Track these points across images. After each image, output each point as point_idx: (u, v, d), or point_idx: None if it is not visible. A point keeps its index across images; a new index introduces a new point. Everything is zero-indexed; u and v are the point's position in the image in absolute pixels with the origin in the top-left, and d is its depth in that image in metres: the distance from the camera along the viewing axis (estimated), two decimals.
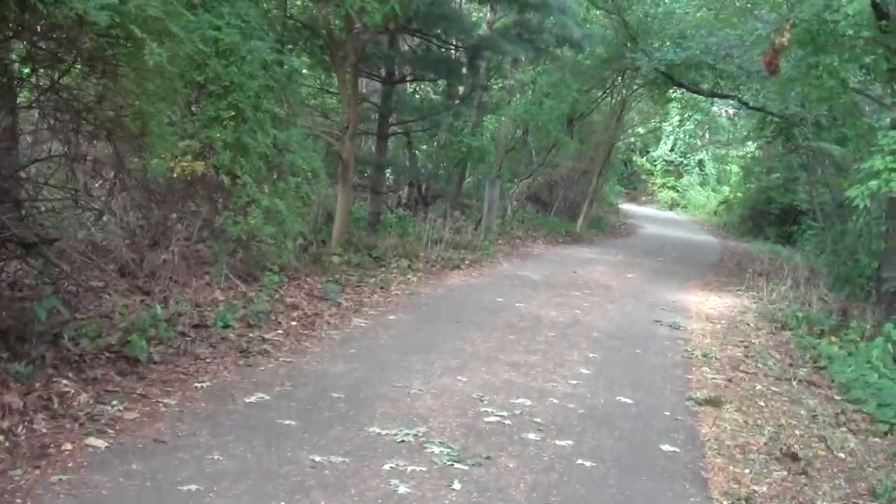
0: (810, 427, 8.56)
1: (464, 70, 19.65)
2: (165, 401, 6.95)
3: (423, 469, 6.12)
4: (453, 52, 20.34)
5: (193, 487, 5.38)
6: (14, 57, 8.07)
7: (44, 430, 5.91)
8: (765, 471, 7.09)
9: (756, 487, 6.68)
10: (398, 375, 8.53)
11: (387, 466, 6.09)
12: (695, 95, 32.11)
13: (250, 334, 9.31)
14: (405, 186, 23.76)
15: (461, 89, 21.26)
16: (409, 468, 6.10)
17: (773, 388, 9.96)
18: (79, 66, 7.79)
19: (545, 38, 19.99)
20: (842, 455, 7.80)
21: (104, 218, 10.81)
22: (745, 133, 43.05)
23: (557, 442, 7.13)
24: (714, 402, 8.92)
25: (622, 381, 9.50)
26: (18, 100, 8.47)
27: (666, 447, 7.39)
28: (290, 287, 11.61)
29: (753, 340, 12.76)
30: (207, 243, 11.22)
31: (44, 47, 7.79)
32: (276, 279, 11.16)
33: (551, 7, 18.82)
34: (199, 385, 7.49)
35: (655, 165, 55.92)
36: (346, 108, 15.51)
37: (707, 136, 56.12)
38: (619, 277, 18.74)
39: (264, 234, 11.03)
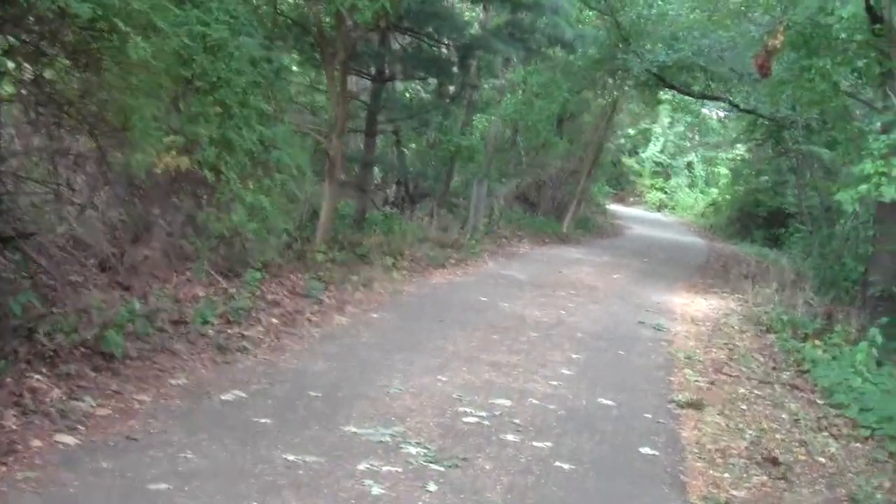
0: (792, 431, 8.54)
1: (455, 69, 19.60)
2: (139, 397, 6.86)
3: (399, 470, 6.06)
4: (444, 50, 20.25)
5: (163, 486, 5.30)
6: None
7: (13, 427, 5.80)
8: (745, 475, 7.05)
9: (735, 492, 6.64)
10: (378, 374, 8.46)
11: (362, 466, 6.02)
12: (685, 97, 32.10)
13: (229, 331, 9.20)
14: (393, 184, 23.68)
15: (451, 88, 21.19)
16: (385, 469, 6.04)
17: (755, 392, 9.93)
18: (62, 60, 7.70)
19: (537, 38, 19.96)
20: (822, 460, 7.77)
21: (86, 212, 10.72)
22: (734, 135, 43.06)
23: (536, 443, 7.07)
24: (696, 405, 8.87)
25: (604, 382, 9.46)
26: (0, 93, 8.38)
27: (646, 450, 7.35)
28: (272, 284, 11.51)
29: (737, 343, 12.74)
30: (190, 239, 11.13)
31: (27, 40, 7.70)
32: (257, 276, 11.06)
33: (544, 7, 18.78)
34: (174, 382, 7.41)
35: (644, 167, 55.88)
36: (335, 105, 15.41)
37: (697, 138, 56.10)
38: (604, 278, 18.71)
39: (247, 231, 10.95)
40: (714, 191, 50.66)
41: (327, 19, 15.40)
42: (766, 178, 35.32)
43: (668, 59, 24.54)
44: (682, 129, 54.56)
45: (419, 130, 21.84)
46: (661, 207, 53.83)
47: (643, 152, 55.66)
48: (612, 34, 25.61)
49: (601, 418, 8.10)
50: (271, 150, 11.50)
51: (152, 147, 9.55)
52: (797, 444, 8.13)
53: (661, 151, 55.24)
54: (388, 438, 6.66)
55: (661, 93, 31.95)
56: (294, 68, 18.85)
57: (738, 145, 43.51)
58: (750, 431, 8.27)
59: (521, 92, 26.22)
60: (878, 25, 14.15)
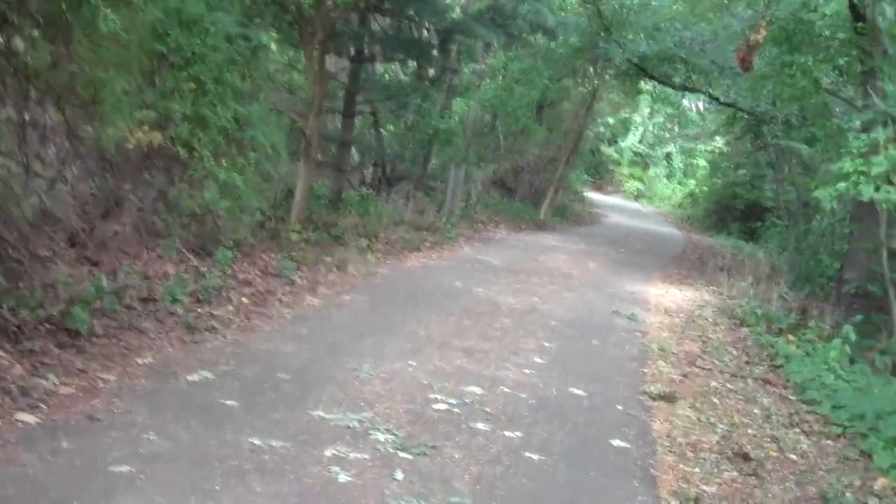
0: (763, 427, 8.48)
1: (435, 52, 19.50)
2: (104, 376, 6.72)
3: (366, 457, 5.95)
4: (425, 33, 20.11)
5: (125, 469, 5.17)
6: None
7: None
8: (715, 470, 6.99)
9: (706, 487, 6.57)
10: (348, 358, 8.34)
11: (328, 452, 5.91)
12: (666, 88, 32.10)
13: (199, 310, 9.05)
14: (370, 166, 23.57)
15: (431, 71, 21.08)
16: (352, 455, 5.93)
17: (728, 386, 9.88)
18: (30, 30, 7.55)
19: (519, 24, 19.85)
20: (794, 457, 7.72)
21: (56, 186, 10.55)
22: (714, 128, 43.16)
23: (506, 433, 6.98)
24: (668, 398, 8.81)
25: (577, 372, 9.38)
26: None
27: (617, 442, 7.27)
28: (244, 263, 11.36)
29: (711, 336, 12.69)
30: (161, 216, 10.99)
31: None
32: (229, 255, 10.92)
33: None
34: (141, 361, 7.26)
35: (623, 156, 55.93)
36: (313, 85, 15.27)
37: (676, 129, 56.19)
38: (580, 266, 18.65)
39: (220, 209, 10.82)
40: (692, 182, 50.75)
41: None
42: (744, 171, 35.41)
43: (650, 50, 24.56)
44: (661, 119, 54.67)
45: (397, 113, 21.75)
46: (638, 197, 53.91)
47: (622, 141, 55.72)
48: (594, 22, 25.56)
49: (573, 408, 8.02)
50: (246, 129, 11.37)
51: (124, 121, 9.42)
52: (769, 439, 8.07)
53: (640, 141, 55.33)
54: (356, 424, 6.55)
55: (642, 83, 32.01)
56: (273, 46, 18.67)
57: (717, 138, 43.71)
58: (721, 426, 8.22)
59: (501, 77, 26.13)
60: (860, 23, 14.15)
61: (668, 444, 7.46)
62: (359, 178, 22.88)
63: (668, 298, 15.94)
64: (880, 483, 7.24)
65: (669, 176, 54.86)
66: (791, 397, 9.82)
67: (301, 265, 12.17)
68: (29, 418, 5.66)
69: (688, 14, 25.82)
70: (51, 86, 7.84)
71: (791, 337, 12.57)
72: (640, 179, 55.59)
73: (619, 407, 8.32)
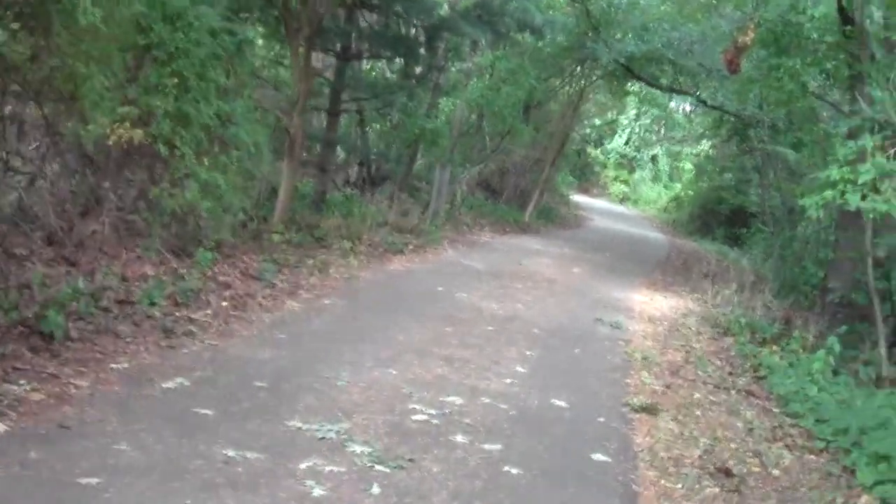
0: (746, 441, 8.38)
1: (421, 50, 19.37)
2: (77, 382, 6.58)
3: (342, 470, 5.83)
4: (412, 31, 19.99)
5: (94, 481, 5.03)
6: None
7: None
8: (697, 486, 6.89)
9: None
10: (326, 365, 8.21)
11: (304, 465, 5.79)
12: (653, 90, 32.07)
13: (177, 313, 8.92)
14: (355, 165, 23.44)
15: (418, 69, 20.95)
16: (328, 468, 5.80)
17: (710, 398, 9.78)
18: (8, 23, 7.41)
19: (506, 23, 19.74)
20: (776, 472, 7.63)
21: (36, 183, 10.41)
22: (700, 131, 43.14)
23: (486, 446, 6.86)
24: (650, 410, 8.71)
25: (558, 382, 9.27)
26: None
27: (598, 456, 7.16)
28: (224, 265, 11.22)
29: (694, 345, 12.60)
30: (142, 215, 10.85)
31: None
32: (209, 256, 10.78)
33: None
34: (115, 366, 7.13)
35: (609, 158, 55.92)
36: (298, 81, 15.15)
37: (662, 131, 56.21)
38: (564, 271, 18.56)
39: (201, 209, 10.69)
40: (677, 185, 50.72)
41: None
42: (730, 175, 35.38)
43: (637, 51, 24.54)
44: (648, 121, 54.66)
45: (383, 111, 21.62)
46: (623, 200, 53.87)
47: (609, 143, 55.70)
48: (581, 22, 25.50)
49: (553, 420, 7.91)
50: (229, 126, 11.24)
51: (104, 117, 9.29)
52: (751, 454, 7.97)
53: (627, 144, 55.32)
54: (333, 435, 6.43)
55: (629, 84, 31.94)
56: (259, 42, 18.54)
57: (704, 141, 43.68)
58: (704, 439, 8.11)
59: (488, 77, 26.01)
60: (849, 27, 14.10)
61: (649, 458, 7.36)
62: (343, 178, 22.74)
63: (651, 306, 15.86)
64: (863, 500, 7.16)
65: (655, 179, 54.83)
66: (774, 410, 9.73)
67: (282, 267, 12.05)
68: None
69: (676, 15, 25.82)
70: (29, 80, 7.69)
71: (775, 347, 12.51)
72: (626, 182, 55.57)
73: (601, 419, 8.22)
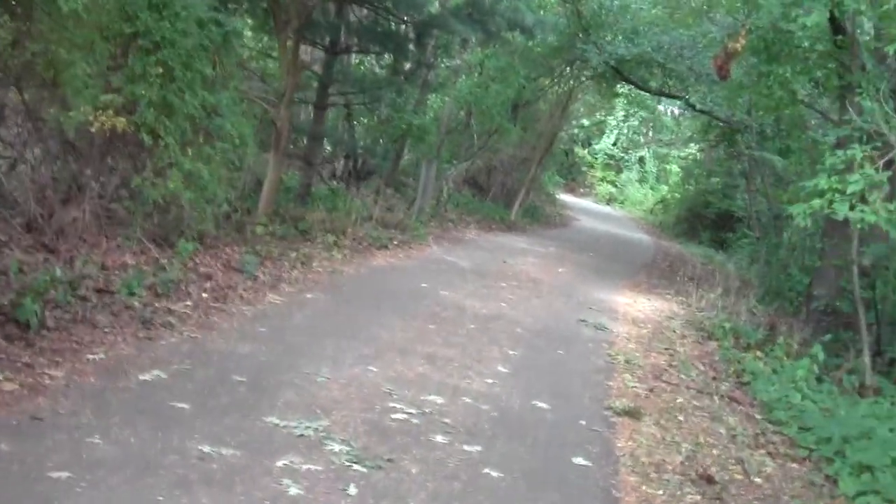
0: (728, 447, 8.29)
1: (411, 46, 19.25)
2: (52, 372, 6.47)
3: (320, 469, 5.73)
4: (402, 26, 19.88)
5: (65, 475, 4.92)
6: None
7: None
8: (678, 493, 6.80)
9: None
10: (306, 361, 8.11)
11: (280, 463, 5.68)
12: (642, 92, 32.05)
13: (156, 304, 8.80)
14: (341, 159, 23.33)
15: (407, 65, 20.85)
16: (305, 467, 5.70)
17: (694, 402, 9.70)
18: None
19: (497, 21, 19.59)
20: (758, 480, 7.54)
21: (17, 168, 10.28)
22: (688, 134, 43.18)
23: (466, 447, 6.76)
24: (633, 414, 8.62)
25: (540, 383, 9.19)
26: None
27: (579, 460, 7.07)
28: (206, 256, 11.11)
29: (678, 349, 12.51)
30: (123, 203, 10.73)
31: None
32: (190, 247, 10.66)
33: None
34: (91, 357, 7.01)
35: (596, 158, 55.87)
36: (286, 74, 15.04)
37: (650, 133, 56.25)
38: (549, 271, 18.47)
39: (184, 199, 10.57)
40: (664, 188, 50.67)
41: None
42: (717, 179, 35.39)
43: (627, 53, 24.55)
44: (636, 123, 54.65)
45: (371, 106, 21.50)
46: (610, 201, 53.80)
47: (596, 144, 55.65)
48: (572, 23, 25.45)
49: (535, 422, 7.82)
50: (214, 117, 11.13)
51: (87, 104, 9.18)
52: (733, 461, 7.89)
53: (615, 144, 55.28)
54: (311, 433, 6.33)
55: (618, 86, 31.91)
56: (248, 34, 18.41)
57: (692, 144, 43.67)
58: (686, 445, 8.03)
59: (477, 75, 25.99)
60: (840, 37, 14.07)
61: (631, 463, 7.27)
62: (329, 172, 22.63)
63: (636, 308, 15.78)
64: None
65: (642, 180, 54.78)
66: (757, 416, 9.65)
67: (265, 260, 11.94)
68: None
69: (667, 19, 25.82)
70: (10, 66, 7.57)
71: (759, 353, 12.42)
72: (613, 183, 55.52)
73: (583, 422, 8.13)
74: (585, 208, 44.31)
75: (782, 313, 16.30)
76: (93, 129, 9.69)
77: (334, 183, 21.22)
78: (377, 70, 23.34)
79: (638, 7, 26.26)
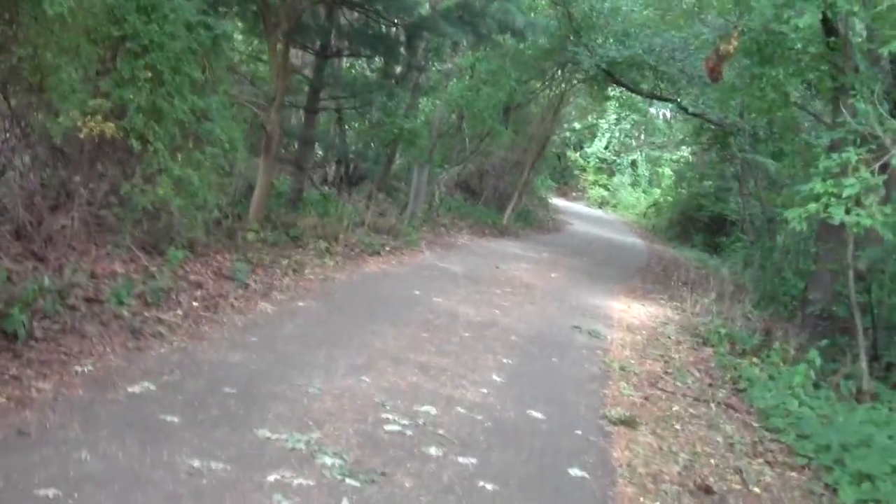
0: (726, 456, 8.19)
1: (402, 49, 19.15)
2: (39, 385, 6.35)
3: (311, 483, 5.61)
4: (393, 29, 19.79)
5: (51, 493, 4.81)
6: None
7: None
8: None
9: None
10: (298, 371, 7.99)
11: (271, 478, 5.56)
12: (634, 95, 32.01)
13: (146, 313, 8.68)
14: (333, 163, 23.23)
15: (398, 69, 20.77)
16: (296, 482, 5.59)
17: (690, 410, 9.59)
18: None
19: (488, 24, 19.50)
20: (757, 490, 7.44)
21: (5, 175, 10.15)
22: (680, 137, 43.14)
23: (460, 459, 6.65)
24: (629, 423, 8.52)
25: (535, 392, 9.07)
26: None
27: (575, 472, 6.96)
28: (196, 263, 10.98)
29: (674, 355, 12.40)
30: (113, 210, 10.61)
31: None
32: (180, 255, 10.54)
33: None
34: (80, 368, 6.88)
35: (589, 162, 55.86)
36: (276, 78, 14.93)
37: (642, 136, 56.23)
38: (542, 276, 18.38)
39: (174, 206, 10.46)
40: (657, 191, 50.67)
41: None
42: (710, 183, 35.35)
43: (619, 55, 24.53)
44: (628, 126, 54.66)
45: (362, 110, 21.42)
46: (602, 204, 53.79)
47: (588, 147, 55.64)
48: (563, 25, 25.42)
49: (530, 433, 7.71)
50: (204, 122, 11.02)
51: (74, 110, 9.06)
52: (731, 470, 7.79)
53: (607, 148, 55.30)
54: (302, 446, 6.21)
55: (610, 89, 31.88)
56: (237, 36, 18.30)
57: (684, 147, 43.65)
58: (683, 454, 7.93)
59: (468, 78, 25.92)
60: (833, 38, 14.03)
61: (627, 474, 7.16)
62: (321, 177, 22.54)
63: (630, 314, 15.68)
64: None
65: (634, 184, 54.79)
66: (754, 424, 9.54)
67: (256, 267, 11.82)
68: None
69: (658, 21, 25.77)
70: None
71: (755, 359, 12.34)
72: (605, 186, 55.51)
73: (578, 432, 8.02)
74: (578, 212, 44.27)
75: (777, 318, 16.22)
76: (81, 135, 9.58)
77: (326, 188, 21.14)
78: (368, 73, 23.28)
79: (629, 9, 26.23)
